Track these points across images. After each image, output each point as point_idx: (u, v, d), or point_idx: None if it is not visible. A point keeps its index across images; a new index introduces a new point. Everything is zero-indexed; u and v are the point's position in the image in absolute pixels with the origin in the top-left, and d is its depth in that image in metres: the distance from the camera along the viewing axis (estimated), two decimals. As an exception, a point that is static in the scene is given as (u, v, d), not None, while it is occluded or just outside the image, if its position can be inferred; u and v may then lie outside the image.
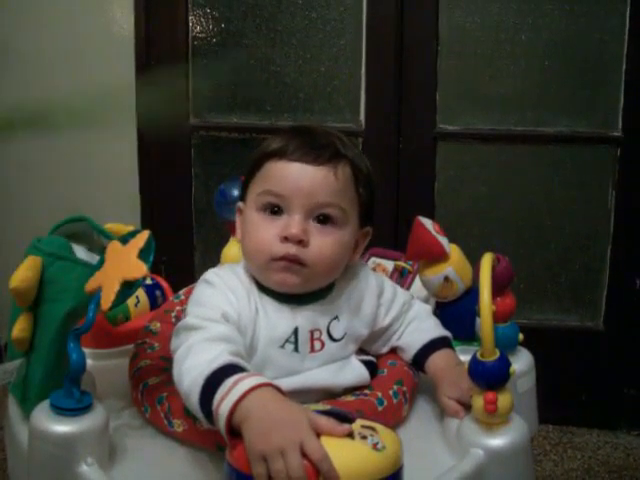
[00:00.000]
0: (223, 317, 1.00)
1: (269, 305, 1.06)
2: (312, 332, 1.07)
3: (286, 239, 1.02)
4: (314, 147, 1.04)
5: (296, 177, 1.03)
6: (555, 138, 2.29)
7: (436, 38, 2.27)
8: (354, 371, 1.10)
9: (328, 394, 1.07)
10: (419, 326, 1.18)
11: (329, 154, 1.04)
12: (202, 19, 2.39)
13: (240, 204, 1.12)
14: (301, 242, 1.02)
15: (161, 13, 2.37)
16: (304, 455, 0.78)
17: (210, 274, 1.08)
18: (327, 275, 1.07)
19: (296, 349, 1.06)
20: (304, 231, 1.02)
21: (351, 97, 2.35)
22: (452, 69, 2.30)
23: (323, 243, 1.03)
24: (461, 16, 2.27)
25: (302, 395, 1.01)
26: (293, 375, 1.04)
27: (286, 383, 0.90)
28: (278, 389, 0.88)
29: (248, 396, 0.84)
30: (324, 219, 1.04)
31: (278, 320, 1.06)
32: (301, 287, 1.05)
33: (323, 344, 1.08)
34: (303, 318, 1.07)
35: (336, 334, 1.09)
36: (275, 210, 1.05)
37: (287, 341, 1.05)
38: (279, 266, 1.03)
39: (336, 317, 1.09)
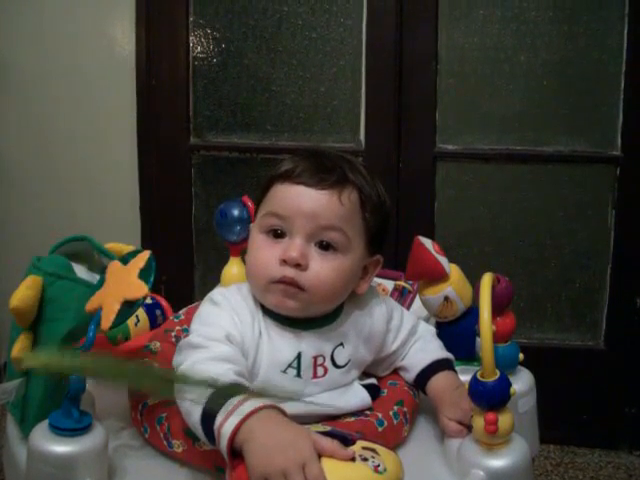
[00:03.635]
0: (227, 338, 1.00)
1: (273, 329, 1.05)
2: (315, 358, 1.06)
3: (285, 262, 1.01)
4: (320, 170, 1.03)
5: (298, 199, 1.03)
6: (554, 157, 2.29)
7: (435, 58, 2.28)
8: (356, 397, 1.08)
9: (329, 418, 1.06)
10: (422, 347, 1.17)
11: (335, 178, 1.03)
12: (203, 39, 2.40)
13: (251, 225, 1.12)
14: (299, 266, 1.01)
15: (162, 33, 2.38)
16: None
17: (216, 294, 1.08)
18: (327, 301, 1.05)
19: (298, 374, 1.05)
20: (303, 255, 1.01)
21: (351, 117, 2.36)
22: (451, 89, 2.31)
23: (322, 268, 1.02)
24: (460, 36, 2.28)
25: (304, 420, 1.00)
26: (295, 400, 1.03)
27: (288, 408, 0.89)
28: (281, 411, 0.87)
29: (252, 417, 0.84)
30: (326, 245, 1.03)
31: (281, 344, 1.05)
32: (300, 311, 1.04)
33: (326, 370, 1.07)
34: (307, 343, 1.05)
35: (340, 361, 1.08)
36: (278, 233, 1.04)
37: (289, 366, 1.04)
38: (277, 289, 1.02)
39: (341, 344, 1.08)
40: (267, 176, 1.09)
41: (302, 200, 1.03)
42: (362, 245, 1.06)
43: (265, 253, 1.04)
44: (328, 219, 1.02)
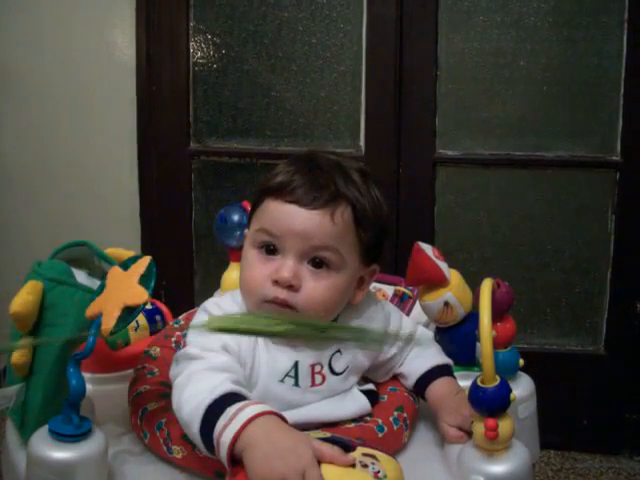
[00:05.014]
0: (223, 348, 1.00)
1: (269, 338, 1.04)
2: (313, 366, 1.05)
3: (277, 282, 1.01)
4: (312, 188, 1.01)
5: (290, 220, 1.01)
6: (554, 162, 2.29)
7: (435, 63, 2.28)
8: (355, 403, 1.08)
9: (329, 425, 1.05)
10: (421, 353, 1.17)
11: (327, 196, 1.01)
12: (203, 45, 2.41)
13: (246, 231, 1.10)
14: (292, 287, 1.00)
15: (162, 39, 2.39)
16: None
17: (211, 304, 1.07)
18: (321, 318, 1.03)
19: (296, 383, 1.04)
20: (295, 275, 1.00)
21: (351, 122, 2.37)
22: (451, 94, 2.31)
23: (315, 288, 1.01)
24: (460, 42, 2.29)
25: (304, 428, 0.99)
26: (294, 408, 1.03)
27: (287, 417, 0.89)
28: (281, 417, 0.87)
29: (251, 424, 0.84)
30: (319, 262, 1.02)
31: (278, 353, 1.04)
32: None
33: (324, 378, 1.06)
34: (304, 352, 1.05)
35: (338, 368, 1.08)
36: (271, 249, 1.03)
37: (287, 375, 1.04)
38: (270, 308, 1.02)
39: (338, 350, 1.08)
40: (260, 186, 1.07)
41: (294, 220, 1.01)
42: (357, 260, 1.05)
43: (257, 271, 1.03)
44: (321, 239, 1.01)
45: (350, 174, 1.06)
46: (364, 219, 1.04)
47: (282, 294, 1.01)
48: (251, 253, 1.05)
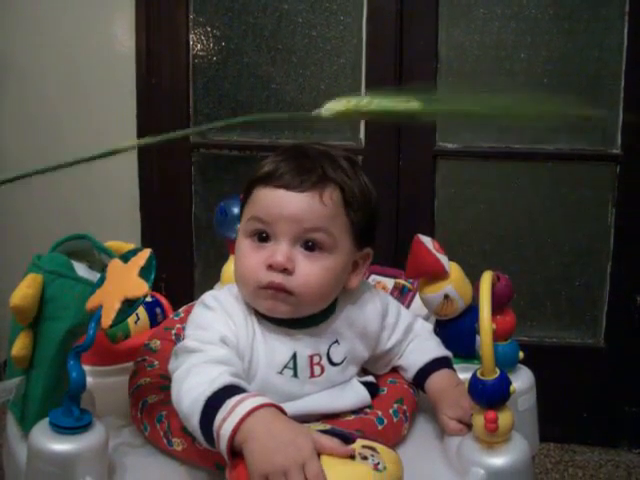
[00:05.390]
0: (222, 341, 1.00)
1: (267, 330, 1.05)
2: (311, 357, 1.06)
3: (271, 267, 1.01)
4: (300, 172, 1.02)
5: (280, 204, 1.02)
6: (554, 156, 2.29)
7: (436, 56, 2.28)
8: (355, 394, 1.08)
9: (329, 417, 1.05)
10: (420, 346, 1.17)
11: (315, 179, 1.02)
12: (203, 37, 2.40)
13: (239, 226, 1.11)
14: (286, 270, 1.01)
15: (162, 31, 2.38)
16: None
17: (209, 298, 1.07)
18: (317, 301, 1.05)
19: (295, 375, 1.04)
20: (289, 259, 1.01)
21: (351, 115, 2.36)
22: (451, 87, 2.30)
23: (310, 270, 1.01)
24: (460, 34, 2.28)
25: (303, 419, 0.99)
26: (293, 400, 1.03)
27: (287, 408, 0.90)
28: (281, 409, 0.87)
29: (251, 416, 0.84)
30: (312, 245, 1.02)
31: (276, 345, 1.04)
32: (292, 314, 1.04)
33: (323, 369, 1.07)
34: (302, 343, 1.05)
35: (336, 358, 1.08)
36: (263, 237, 1.03)
37: (286, 367, 1.04)
38: (266, 294, 1.02)
39: (336, 341, 1.08)
40: (248, 178, 1.09)
41: (284, 204, 1.02)
42: (349, 242, 1.05)
43: (251, 259, 1.03)
44: (311, 221, 1.01)
45: (338, 160, 1.06)
46: (353, 200, 1.05)
47: (277, 278, 1.01)
48: (244, 243, 1.06)
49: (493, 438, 0.97)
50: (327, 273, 1.03)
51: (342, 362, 1.09)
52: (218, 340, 1.00)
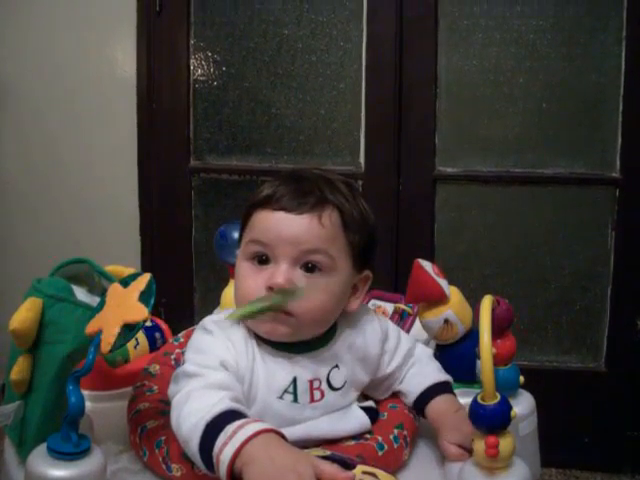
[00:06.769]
0: (222, 365, 0.99)
1: (267, 354, 1.04)
2: (311, 382, 1.05)
3: (271, 288, 1.01)
4: (298, 195, 1.03)
5: (279, 226, 1.02)
6: (554, 180, 2.30)
7: (435, 81, 2.29)
8: (355, 420, 1.08)
9: (329, 442, 1.05)
10: (420, 371, 1.16)
11: (313, 201, 1.02)
12: (203, 62, 2.42)
13: (238, 251, 1.11)
14: None
15: (163, 56, 2.40)
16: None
17: (208, 322, 1.07)
18: (317, 323, 1.05)
19: (295, 399, 1.04)
20: (289, 280, 1.00)
21: (351, 140, 2.37)
22: (451, 112, 2.32)
23: (310, 291, 1.01)
24: (459, 59, 2.30)
25: (303, 445, 0.99)
26: (293, 425, 1.02)
27: (287, 433, 0.89)
28: (281, 435, 0.87)
29: (251, 442, 0.84)
30: (312, 267, 1.02)
31: (276, 369, 1.04)
32: (292, 336, 1.03)
33: (323, 393, 1.06)
34: (302, 367, 1.05)
35: (336, 383, 1.07)
36: (263, 259, 1.03)
37: (285, 391, 1.03)
38: (267, 316, 1.01)
39: (336, 365, 1.07)
40: (247, 203, 1.09)
41: (283, 226, 1.02)
42: (348, 264, 1.05)
43: (251, 281, 1.03)
44: (310, 243, 1.01)
45: (336, 184, 1.07)
46: (352, 222, 1.05)
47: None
48: (243, 266, 1.06)
49: (494, 463, 0.96)
50: (327, 294, 1.03)
51: (342, 387, 1.08)
52: (218, 364, 0.99)
